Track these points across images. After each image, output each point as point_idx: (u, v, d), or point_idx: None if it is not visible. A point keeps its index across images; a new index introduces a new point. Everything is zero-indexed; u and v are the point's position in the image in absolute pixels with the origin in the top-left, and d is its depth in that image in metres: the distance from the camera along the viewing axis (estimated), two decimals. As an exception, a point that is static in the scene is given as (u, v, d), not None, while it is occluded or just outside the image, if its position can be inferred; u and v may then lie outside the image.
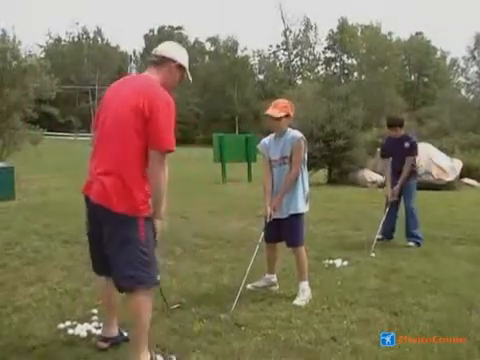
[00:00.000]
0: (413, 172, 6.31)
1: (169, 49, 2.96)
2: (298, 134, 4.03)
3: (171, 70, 2.92)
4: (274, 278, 4.29)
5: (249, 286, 4.15)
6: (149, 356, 2.79)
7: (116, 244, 2.67)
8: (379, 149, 14.82)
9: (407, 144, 6.16)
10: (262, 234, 4.12)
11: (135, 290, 2.68)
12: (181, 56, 2.96)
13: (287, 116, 4.00)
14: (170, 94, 2.80)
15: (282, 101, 4.10)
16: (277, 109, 3.99)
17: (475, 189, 15.23)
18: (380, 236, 6.26)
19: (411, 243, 6.14)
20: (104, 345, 3.03)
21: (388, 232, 6.38)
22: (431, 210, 8.71)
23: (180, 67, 2.96)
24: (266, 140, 4.22)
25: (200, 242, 6.09)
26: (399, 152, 6.18)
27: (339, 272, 4.82)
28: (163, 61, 2.91)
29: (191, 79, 3.05)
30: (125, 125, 2.67)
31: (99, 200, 2.65)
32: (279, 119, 3.97)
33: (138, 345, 2.74)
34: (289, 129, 4.07)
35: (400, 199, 6.35)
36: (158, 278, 2.80)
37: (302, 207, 4.04)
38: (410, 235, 6.20)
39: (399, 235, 6.35)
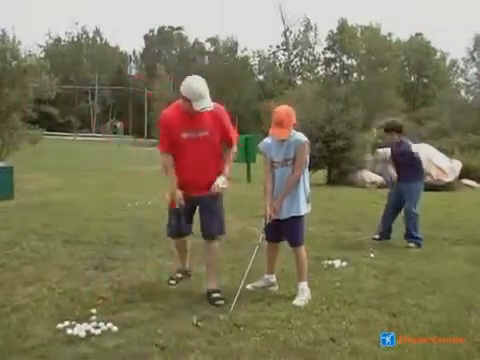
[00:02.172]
0: (418, 176, 6.31)
1: (183, 84, 3.81)
2: (303, 138, 3.99)
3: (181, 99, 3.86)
4: (273, 278, 4.28)
5: (248, 286, 4.14)
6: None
7: None
8: (379, 150, 15.08)
9: (400, 150, 6.22)
10: (262, 235, 4.12)
11: None
12: (184, 90, 3.79)
13: (293, 125, 3.96)
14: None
15: (285, 115, 3.92)
16: (284, 128, 3.88)
17: (474, 190, 15.24)
18: (377, 236, 6.28)
19: (411, 244, 6.14)
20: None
21: (385, 232, 6.38)
22: (430, 211, 8.69)
23: (185, 98, 3.79)
24: (268, 140, 4.14)
25: (199, 242, 6.06)
26: (397, 157, 6.27)
27: (338, 273, 4.82)
28: None
29: (199, 108, 3.82)
30: None
31: None
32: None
33: None
34: (293, 131, 4.01)
35: (403, 202, 6.33)
36: (167, 233, 4.31)
37: (303, 209, 4.03)
38: (410, 236, 6.19)
39: (398, 236, 6.35)
